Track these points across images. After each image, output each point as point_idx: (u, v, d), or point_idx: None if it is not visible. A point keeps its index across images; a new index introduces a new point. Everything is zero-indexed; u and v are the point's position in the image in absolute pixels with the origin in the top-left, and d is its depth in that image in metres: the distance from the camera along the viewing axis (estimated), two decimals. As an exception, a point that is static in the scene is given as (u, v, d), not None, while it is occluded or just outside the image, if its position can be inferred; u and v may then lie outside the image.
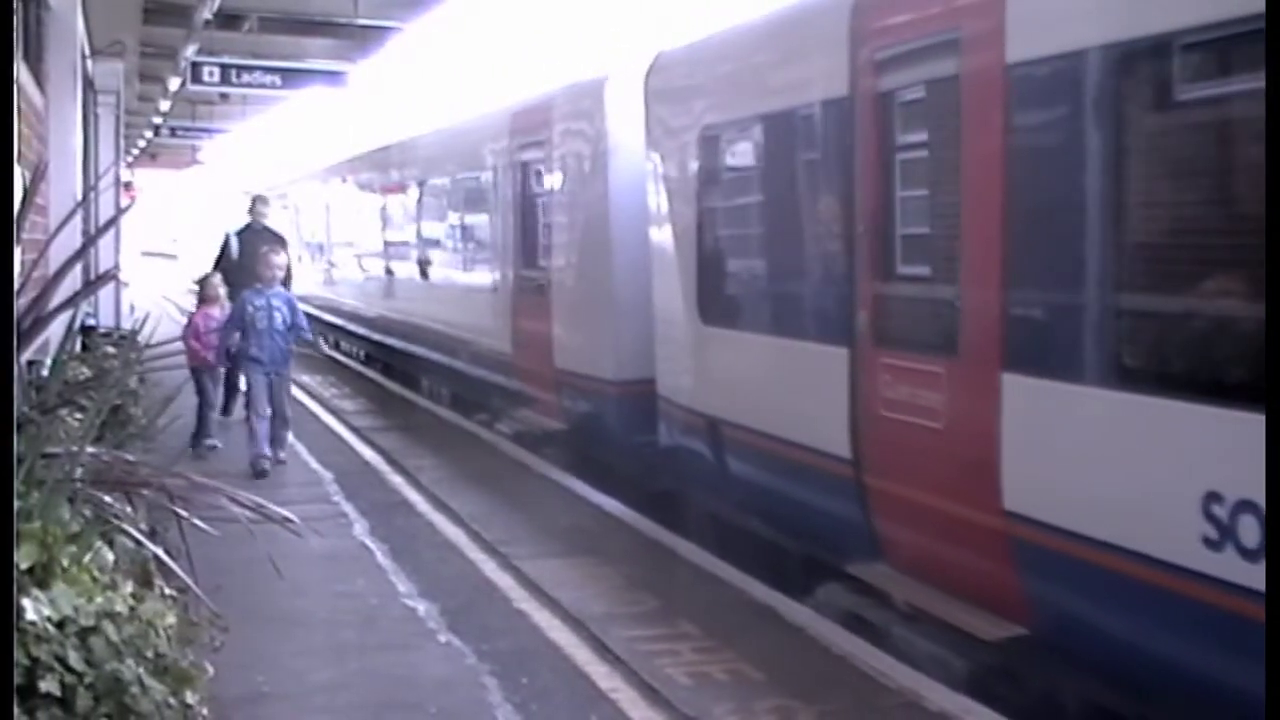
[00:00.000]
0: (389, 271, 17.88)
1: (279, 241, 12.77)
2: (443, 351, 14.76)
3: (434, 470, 10.30)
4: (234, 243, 13.15)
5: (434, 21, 16.10)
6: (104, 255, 14.21)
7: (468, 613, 6.42)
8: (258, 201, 14.04)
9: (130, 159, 31.78)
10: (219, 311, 11.43)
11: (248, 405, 10.44)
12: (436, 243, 15.90)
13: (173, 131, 28.13)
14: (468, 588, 6.94)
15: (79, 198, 10.47)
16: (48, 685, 2.89)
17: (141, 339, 6.53)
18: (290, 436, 10.76)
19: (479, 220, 13.88)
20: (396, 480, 10.11)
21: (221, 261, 13.17)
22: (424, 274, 16.00)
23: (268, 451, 10.07)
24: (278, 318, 10.21)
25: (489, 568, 7.37)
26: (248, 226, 13.51)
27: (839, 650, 5.86)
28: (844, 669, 5.65)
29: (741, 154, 7.95)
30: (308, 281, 21.92)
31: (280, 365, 10.33)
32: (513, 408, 12.60)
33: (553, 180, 11.27)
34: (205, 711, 3.37)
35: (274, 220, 14.13)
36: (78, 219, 9.28)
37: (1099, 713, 5.25)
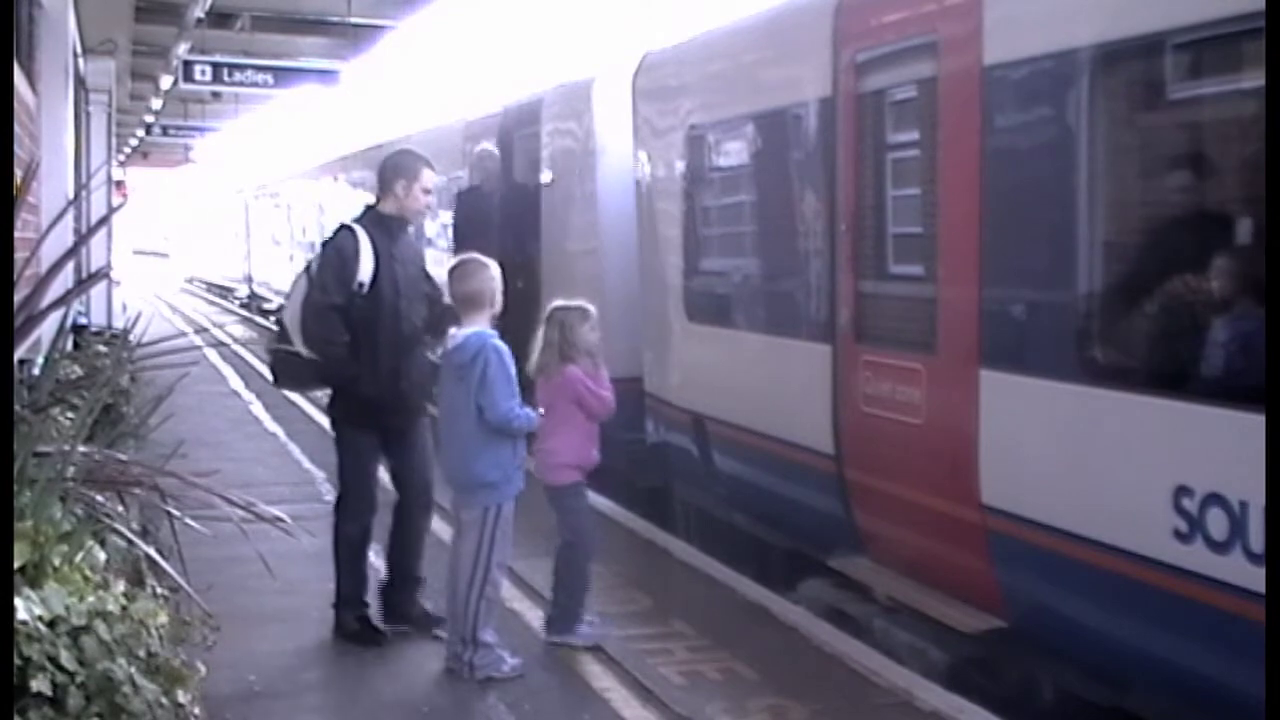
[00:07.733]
0: None
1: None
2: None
3: (425, 468, 10.24)
4: (366, 254, 5.97)
5: (426, 20, 16.15)
6: (96, 254, 14.27)
7: (460, 612, 6.44)
8: (406, 159, 6.18)
9: (122, 157, 31.78)
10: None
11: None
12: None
13: (164, 130, 28.14)
14: (460, 586, 6.95)
15: (70, 196, 10.43)
16: (39, 684, 2.87)
17: (133, 338, 6.53)
18: (284, 435, 10.14)
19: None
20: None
21: (328, 285, 6.06)
22: None
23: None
24: None
25: (481, 567, 7.37)
26: (369, 211, 6.18)
27: (831, 650, 5.87)
28: (837, 668, 5.66)
29: (727, 153, 7.99)
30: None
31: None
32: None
33: (542, 180, 11.31)
34: (197, 710, 3.36)
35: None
36: (69, 217, 9.27)
37: (1078, 704, 5.33)
